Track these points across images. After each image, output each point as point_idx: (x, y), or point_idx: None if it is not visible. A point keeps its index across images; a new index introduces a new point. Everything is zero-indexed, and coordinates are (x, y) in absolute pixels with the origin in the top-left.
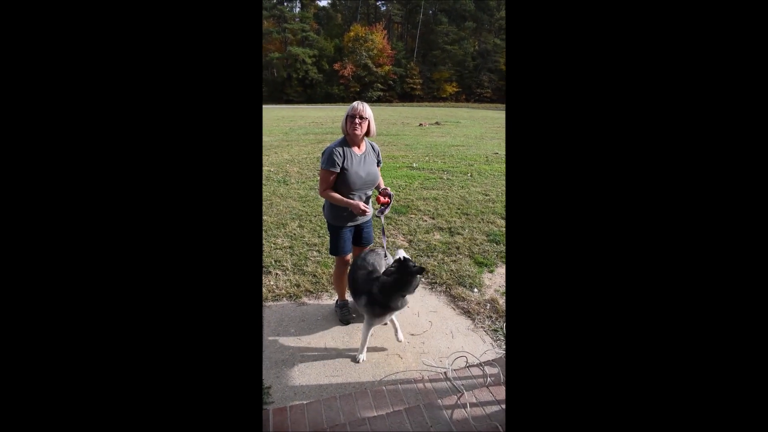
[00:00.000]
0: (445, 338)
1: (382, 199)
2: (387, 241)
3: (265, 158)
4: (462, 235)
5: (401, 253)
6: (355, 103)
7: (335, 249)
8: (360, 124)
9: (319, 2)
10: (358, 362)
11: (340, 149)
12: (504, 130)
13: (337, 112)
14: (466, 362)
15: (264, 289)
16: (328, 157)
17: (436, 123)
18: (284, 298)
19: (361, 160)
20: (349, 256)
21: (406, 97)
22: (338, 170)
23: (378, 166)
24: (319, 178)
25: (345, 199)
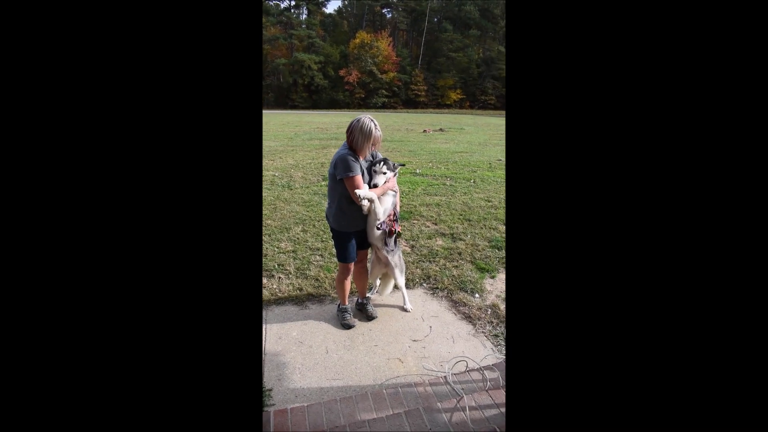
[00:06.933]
0: (446, 343)
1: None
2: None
3: (269, 163)
4: (464, 240)
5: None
6: (375, 131)
7: (343, 256)
8: (375, 147)
9: (325, 9)
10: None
11: (351, 155)
12: None
13: (341, 118)
14: (467, 367)
15: (267, 293)
16: (346, 164)
17: (440, 129)
18: (287, 302)
19: (366, 167)
20: (352, 264)
21: (411, 103)
22: (359, 172)
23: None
24: (348, 187)
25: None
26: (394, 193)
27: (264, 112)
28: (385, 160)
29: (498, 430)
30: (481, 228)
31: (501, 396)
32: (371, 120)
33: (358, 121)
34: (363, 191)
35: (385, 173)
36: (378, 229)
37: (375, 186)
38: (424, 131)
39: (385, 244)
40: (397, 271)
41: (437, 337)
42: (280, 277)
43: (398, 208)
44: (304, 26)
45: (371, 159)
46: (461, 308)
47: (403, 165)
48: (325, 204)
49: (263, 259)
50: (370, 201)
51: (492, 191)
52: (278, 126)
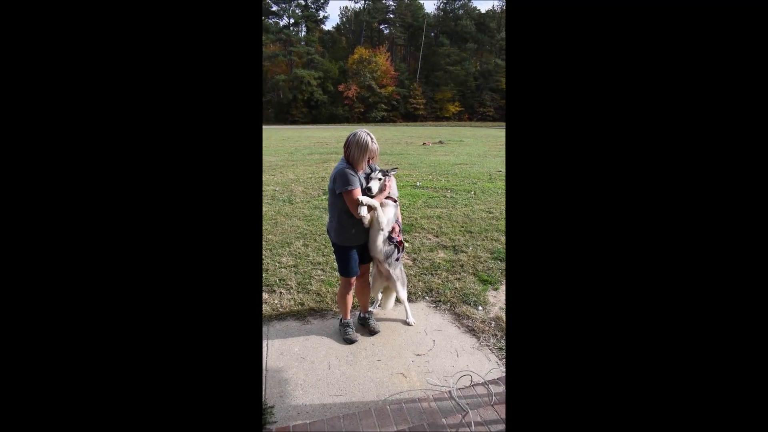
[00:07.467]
0: (449, 357)
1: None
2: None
3: (270, 178)
4: (466, 253)
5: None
6: (371, 144)
7: (345, 270)
8: (373, 160)
9: (324, 26)
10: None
11: (350, 169)
12: None
13: (341, 133)
14: (471, 381)
15: (268, 308)
16: (345, 178)
17: (440, 142)
18: (288, 317)
19: (364, 180)
20: (354, 279)
21: (410, 116)
22: (358, 186)
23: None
24: (347, 201)
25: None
26: (395, 203)
27: (264, 127)
28: (382, 170)
29: None
30: (483, 240)
31: None
32: (367, 133)
33: (354, 135)
34: (365, 198)
35: (380, 179)
36: (390, 242)
37: (369, 190)
38: (424, 144)
39: (394, 258)
40: (399, 285)
41: (441, 351)
42: (281, 292)
43: (400, 219)
44: (303, 43)
45: (369, 171)
46: (464, 321)
47: (396, 169)
48: (326, 218)
49: (264, 275)
50: (373, 209)
51: (493, 202)
52: (279, 141)
